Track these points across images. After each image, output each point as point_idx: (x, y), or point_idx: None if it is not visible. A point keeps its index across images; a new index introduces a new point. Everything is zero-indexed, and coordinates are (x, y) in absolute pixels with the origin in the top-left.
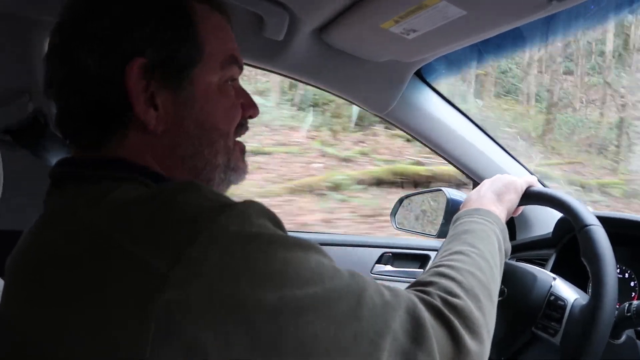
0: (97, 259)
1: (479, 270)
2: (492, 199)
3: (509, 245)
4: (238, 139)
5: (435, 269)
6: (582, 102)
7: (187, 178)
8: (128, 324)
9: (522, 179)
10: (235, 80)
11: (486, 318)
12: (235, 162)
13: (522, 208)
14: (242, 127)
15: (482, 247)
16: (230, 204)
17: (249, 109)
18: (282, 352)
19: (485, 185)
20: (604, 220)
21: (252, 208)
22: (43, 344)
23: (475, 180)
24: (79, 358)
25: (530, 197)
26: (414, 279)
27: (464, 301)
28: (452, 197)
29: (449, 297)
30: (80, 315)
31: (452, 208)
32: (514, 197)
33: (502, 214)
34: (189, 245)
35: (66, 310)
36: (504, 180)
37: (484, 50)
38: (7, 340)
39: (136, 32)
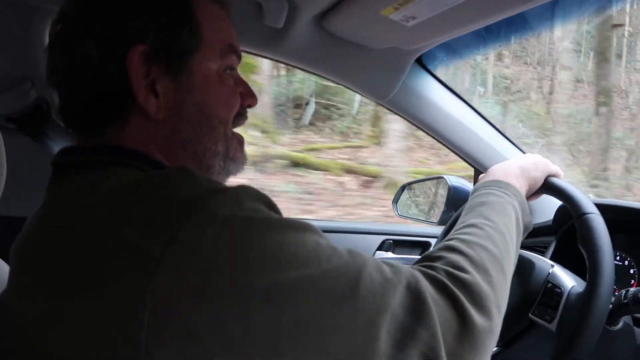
0: (92, 246)
1: (492, 243)
2: (516, 172)
3: (529, 219)
4: (237, 130)
5: (446, 243)
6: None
7: (186, 164)
8: (122, 308)
9: (554, 166)
10: (234, 69)
11: (496, 293)
12: (233, 152)
13: (540, 195)
14: (241, 117)
15: (498, 220)
16: (222, 189)
17: (248, 98)
18: (279, 333)
19: (513, 159)
20: (604, 208)
21: (244, 192)
22: (42, 328)
23: (476, 167)
24: (75, 343)
25: None
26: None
27: (472, 275)
28: (453, 184)
29: (455, 271)
30: (77, 301)
31: (454, 195)
32: (539, 177)
33: (523, 189)
34: (180, 229)
35: (64, 296)
36: (535, 159)
37: (485, 36)
38: (9, 324)
39: (136, 19)
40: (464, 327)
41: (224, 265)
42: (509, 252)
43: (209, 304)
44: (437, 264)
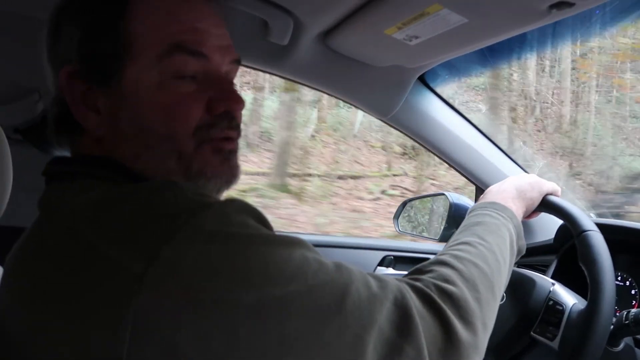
0: (74, 259)
1: (483, 261)
2: (512, 194)
3: (523, 243)
4: (223, 136)
5: (438, 257)
6: None
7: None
8: (104, 324)
9: (550, 184)
10: (193, 72)
11: (483, 310)
12: (201, 167)
13: (539, 213)
14: (215, 127)
15: (491, 240)
16: (209, 203)
17: (221, 102)
18: (264, 350)
19: (509, 180)
20: (605, 228)
21: (231, 206)
22: (27, 342)
23: (477, 185)
24: (57, 357)
25: None
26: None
27: (460, 289)
28: (455, 201)
29: (444, 285)
30: (60, 316)
31: (455, 212)
32: (536, 197)
33: (519, 211)
34: (164, 245)
35: (47, 310)
36: (531, 179)
37: (487, 56)
38: (1, 335)
39: (62, 38)
40: (450, 343)
41: (208, 280)
42: (500, 272)
43: (193, 320)
44: (427, 277)
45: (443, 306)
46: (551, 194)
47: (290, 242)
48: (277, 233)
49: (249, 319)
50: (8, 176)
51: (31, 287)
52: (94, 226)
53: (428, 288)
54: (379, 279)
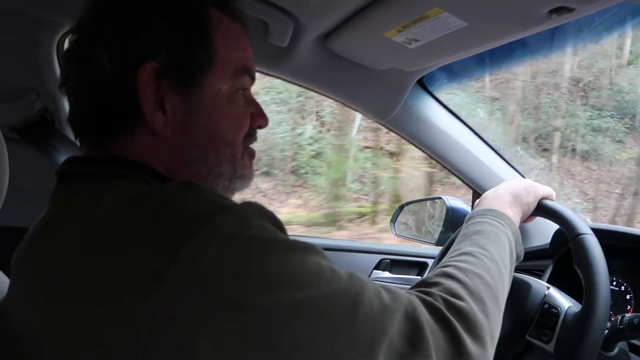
0: (94, 257)
1: (486, 272)
2: (509, 200)
3: (521, 249)
4: (251, 145)
5: (442, 269)
6: None
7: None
8: (122, 322)
9: (545, 188)
10: (246, 89)
11: (490, 322)
12: (241, 171)
13: (535, 217)
14: (250, 137)
15: (492, 250)
16: (228, 206)
17: (259, 119)
18: (276, 354)
19: (504, 185)
20: (600, 233)
21: (250, 210)
22: (42, 341)
23: (475, 189)
24: (74, 354)
25: None
26: (411, 285)
27: (468, 303)
28: (451, 205)
29: (452, 299)
30: (77, 313)
31: (452, 216)
32: (532, 202)
33: (516, 217)
34: (184, 245)
35: (64, 307)
36: (525, 184)
37: (486, 60)
38: (9, 332)
39: (150, 34)
40: (459, 356)
41: (225, 282)
42: (503, 282)
43: (209, 320)
44: (434, 290)
45: (452, 320)
46: (546, 198)
47: (306, 249)
48: (292, 239)
49: (264, 322)
50: (4, 176)
51: (45, 287)
52: (115, 224)
53: (437, 302)
54: (391, 291)
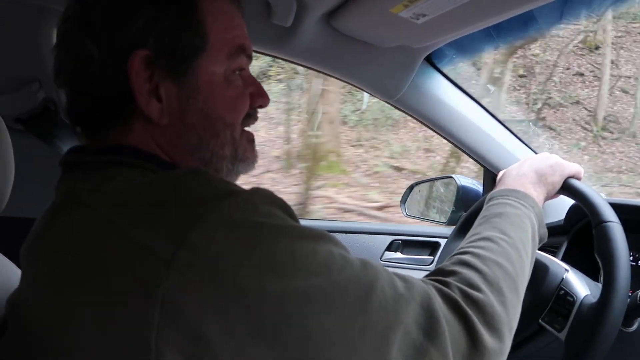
0: (101, 245)
1: (507, 260)
2: (533, 179)
3: (544, 230)
4: (247, 128)
5: (460, 257)
6: None
7: (194, 165)
8: (133, 309)
9: (572, 165)
10: (243, 69)
11: (509, 314)
12: (242, 153)
13: (559, 195)
14: (250, 117)
15: (514, 235)
16: (236, 191)
17: (259, 98)
18: (287, 342)
19: (527, 162)
20: (617, 207)
21: (258, 195)
22: (54, 330)
23: (487, 167)
24: (88, 342)
25: None
26: (424, 265)
27: (486, 295)
28: (462, 184)
29: (470, 290)
30: (87, 302)
31: (463, 195)
32: (557, 181)
33: (540, 197)
34: (191, 230)
35: (74, 297)
36: (551, 161)
37: (495, 34)
38: (22, 324)
39: (137, 21)
40: (475, 349)
41: (233, 268)
42: (524, 269)
43: (218, 307)
44: (451, 280)
45: (469, 312)
46: (573, 177)
47: (317, 236)
48: (303, 225)
49: (273, 308)
50: (10, 167)
51: (56, 277)
52: (123, 212)
53: (454, 292)
54: (405, 279)
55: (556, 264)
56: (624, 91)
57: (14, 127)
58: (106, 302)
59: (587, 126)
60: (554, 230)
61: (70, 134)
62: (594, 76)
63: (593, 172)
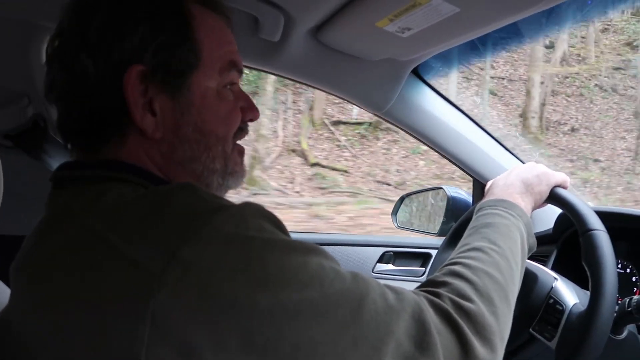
0: (92, 260)
1: (497, 270)
2: (520, 189)
3: (533, 240)
4: (238, 142)
5: (450, 267)
6: None
7: (185, 180)
8: (123, 324)
9: (558, 174)
10: (234, 84)
11: (500, 323)
12: (233, 167)
13: (546, 204)
14: (241, 131)
15: (503, 245)
16: (226, 205)
17: (249, 112)
18: (278, 355)
19: (514, 172)
20: (605, 215)
21: (248, 210)
22: (43, 347)
23: (475, 178)
24: (76, 358)
25: None
26: (415, 277)
27: (477, 305)
28: (452, 195)
29: (461, 301)
30: (77, 317)
31: (453, 206)
32: (544, 191)
33: (528, 207)
34: (182, 245)
35: (64, 312)
36: (537, 171)
37: (480, 46)
38: (12, 343)
39: (133, 36)
40: (467, 359)
41: (224, 282)
42: (514, 279)
43: (209, 321)
44: (442, 291)
45: (460, 322)
46: (559, 186)
47: (308, 249)
48: (293, 239)
49: (264, 322)
50: None
51: (46, 293)
52: (114, 227)
53: (445, 303)
54: (396, 291)
55: (545, 273)
56: None
57: (3, 143)
58: (96, 317)
59: None
60: (543, 239)
61: (60, 150)
62: None
63: None
